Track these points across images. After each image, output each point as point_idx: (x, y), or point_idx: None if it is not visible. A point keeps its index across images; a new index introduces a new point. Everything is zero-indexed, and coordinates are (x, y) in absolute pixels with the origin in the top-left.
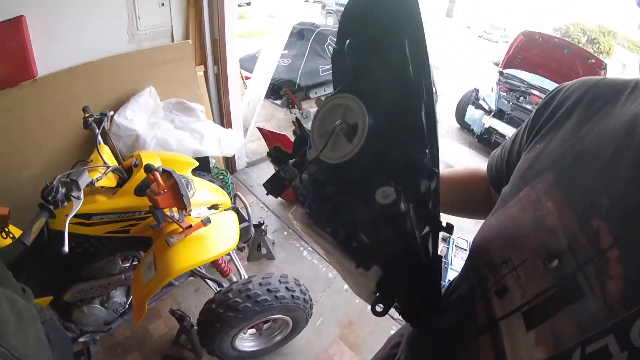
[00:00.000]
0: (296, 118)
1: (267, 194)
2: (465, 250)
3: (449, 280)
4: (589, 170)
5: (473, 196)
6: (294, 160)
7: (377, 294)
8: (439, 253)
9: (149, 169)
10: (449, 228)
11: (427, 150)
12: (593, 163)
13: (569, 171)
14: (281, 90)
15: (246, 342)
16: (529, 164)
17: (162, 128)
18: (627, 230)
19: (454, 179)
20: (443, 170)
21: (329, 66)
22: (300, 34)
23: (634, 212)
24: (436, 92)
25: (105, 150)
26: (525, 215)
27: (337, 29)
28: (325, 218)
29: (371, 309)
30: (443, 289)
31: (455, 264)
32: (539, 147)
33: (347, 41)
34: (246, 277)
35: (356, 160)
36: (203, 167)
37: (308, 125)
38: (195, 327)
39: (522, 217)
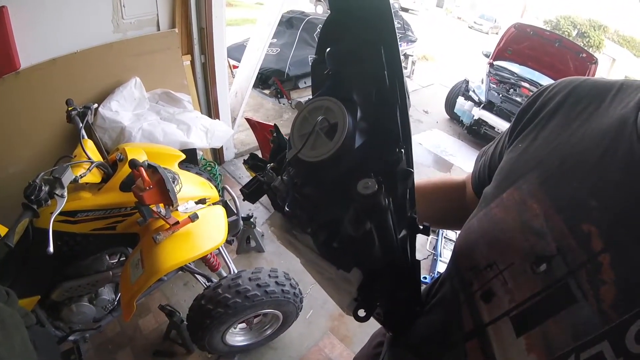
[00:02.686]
0: (275, 125)
1: (244, 200)
2: (454, 241)
3: (438, 272)
4: (575, 172)
5: (447, 205)
6: (272, 164)
7: (359, 299)
8: (427, 248)
9: (133, 164)
10: (426, 230)
11: (402, 150)
12: (580, 165)
13: (554, 172)
14: (270, 80)
15: (237, 336)
16: (512, 164)
17: (148, 120)
18: (617, 234)
19: (427, 189)
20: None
21: None
22: (289, 22)
23: (624, 216)
24: (409, 98)
25: (89, 145)
26: (509, 217)
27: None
28: (305, 218)
29: (353, 314)
30: (431, 281)
31: (444, 255)
32: (521, 146)
33: (327, 49)
34: (235, 271)
35: (336, 157)
36: (190, 159)
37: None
38: (185, 323)
39: (506, 219)
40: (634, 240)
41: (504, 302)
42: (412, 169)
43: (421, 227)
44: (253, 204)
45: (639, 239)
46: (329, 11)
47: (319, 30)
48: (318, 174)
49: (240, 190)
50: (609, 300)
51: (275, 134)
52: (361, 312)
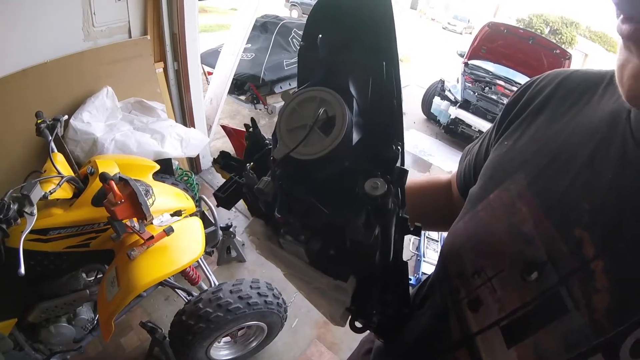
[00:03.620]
0: (252, 119)
1: (218, 206)
2: (437, 241)
3: (423, 273)
4: (565, 171)
5: (432, 206)
6: (251, 164)
7: (353, 308)
8: (410, 249)
9: (104, 177)
10: (417, 230)
11: (399, 148)
12: (569, 163)
13: (543, 171)
14: (245, 86)
15: (221, 350)
16: (497, 163)
17: (121, 130)
18: (610, 239)
19: (412, 190)
20: None
21: (294, 60)
22: (263, 27)
23: (617, 220)
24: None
25: (59, 159)
26: (497, 220)
27: (302, 22)
28: (299, 224)
29: (350, 325)
30: (416, 283)
31: (428, 256)
32: (507, 143)
33: (320, 36)
34: (216, 284)
35: (334, 155)
36: (165, 169)
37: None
38: (168, 339)
39: (494, 223)
40: (628, 246)
41: (492, 312)
42: (404, 166)
43: (412, 228)
44: (229, 210)
45: (634, 244)
46: (304, 15)
47: (293, 34)
48: (312, 174)
49: (214, 194)
50: (602, 310)
51: (251, 129)
52: (358, 323)
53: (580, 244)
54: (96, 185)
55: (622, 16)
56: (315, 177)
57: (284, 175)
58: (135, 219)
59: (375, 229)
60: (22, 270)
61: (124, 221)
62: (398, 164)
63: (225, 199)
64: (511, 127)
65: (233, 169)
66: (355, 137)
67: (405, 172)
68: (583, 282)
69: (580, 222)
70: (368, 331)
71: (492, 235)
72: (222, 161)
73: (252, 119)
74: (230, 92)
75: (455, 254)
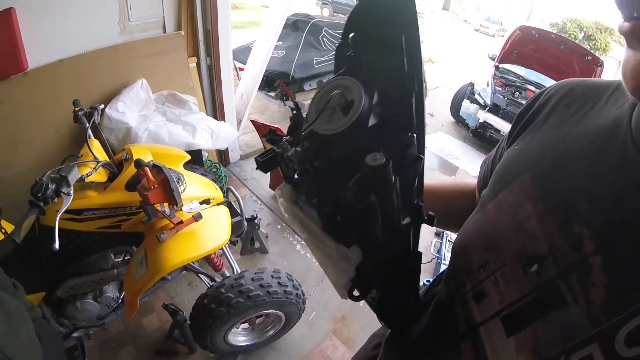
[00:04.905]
0: (295, 103)
1: (257, 168)
2: None
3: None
4: (568, 173)
5: (456, 209)
6: (288, 137)
7: (355, 278)
8: (432, 251)
9: (139, 164)
10: (431, 219)
11: (415, 135)
12: (572, 166)
13: (548, 173)
14: (275, 82)
15: (239, 336)
16: (507, 166)
17: (154, 121)
18: (609, 236)
19: (438, 190)
20: (428, 180)
21: (324, 58)
22: (294, 25)
23: (617, 217)
24: (426, 87)
25: (95, 145)
26: (504, 218)
27: (332, 21)
28: (314, 188)
29: (348, 293)
30: (430, 284)
31: (448, 259)
32: (517, 148)
33: (351, 35)
34: (239, 271)
35: (349, 132)
36: (195, 160)
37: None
38: (188, 322)
39: (501, 220)
40: (625, 243)
41: (494, 303)
42: (423, 154)
43: (426, 217)
44: (265, 173)
45: (631, 241)
46: (335, 14)
47: (324, 33)
48: (330, 147)
49: (255, 159)
50: (599, 303)
51: (294, 112)
52: (355, 292)
53: (580, 239)
54: (130, 170)
55: (623, 16)
56: (334, 152)
57: (310, 148)
58: (166, 204)
59: (370, 196)
60: (57, 245)
61: (155, 206)
62: (414, 151)
63: (263, 163)
64: (522, 133)
65: (275, 142)
66: (372, 120)
67: (419, 159)
68: (581, 276)
69: (580, 220)
70: (380, 326)
71: (498, 232)
72: (269, 136)
73: (296, 103)
74: (261, 88)
75: (463, 251)
